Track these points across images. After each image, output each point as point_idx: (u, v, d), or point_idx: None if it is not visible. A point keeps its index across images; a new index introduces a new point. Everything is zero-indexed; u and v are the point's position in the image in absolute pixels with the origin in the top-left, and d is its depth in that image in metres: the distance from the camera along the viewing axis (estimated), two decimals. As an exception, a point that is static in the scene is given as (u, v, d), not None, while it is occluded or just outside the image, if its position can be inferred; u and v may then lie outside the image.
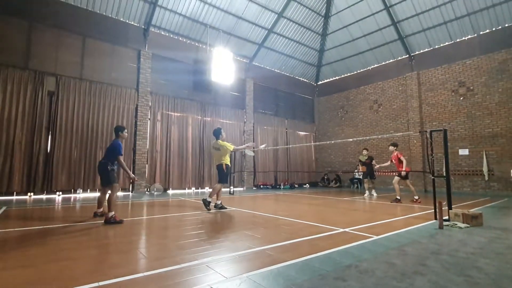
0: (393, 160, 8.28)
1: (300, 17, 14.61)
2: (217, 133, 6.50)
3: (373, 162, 10.18)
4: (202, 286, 2.12)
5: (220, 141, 6.34)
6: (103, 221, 4.56)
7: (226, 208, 6.31)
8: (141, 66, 11.12)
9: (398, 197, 7.95)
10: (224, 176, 6.37)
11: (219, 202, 6.32)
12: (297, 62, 16.71)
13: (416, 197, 7.93)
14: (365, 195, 9.99)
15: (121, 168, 4.95)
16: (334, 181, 15.98)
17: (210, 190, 12.55)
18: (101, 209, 5.13)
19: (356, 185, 14.36)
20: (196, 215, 5.61)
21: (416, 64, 13.69)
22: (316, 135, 18.16)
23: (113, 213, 4.51)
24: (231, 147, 6.35)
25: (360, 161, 10.61)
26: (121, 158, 4.92)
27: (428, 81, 13.12)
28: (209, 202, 6.10)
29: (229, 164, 6.46)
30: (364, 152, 10.48)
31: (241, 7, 12.88)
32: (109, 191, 4.82)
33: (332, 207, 7.07)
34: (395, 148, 8.36)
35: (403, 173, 8.00)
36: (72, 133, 9.40)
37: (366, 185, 10.21)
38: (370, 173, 10.12)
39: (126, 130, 5.41)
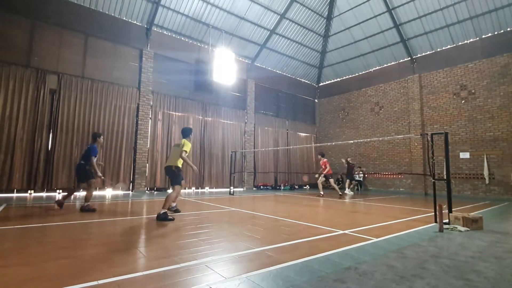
0: (322, 166, 10.75)
1: (302, 19, 14.63)
2: (188, 132, 5.56)
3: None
4: (201, 286, 2.12)
5: (185, 140, 5.36)
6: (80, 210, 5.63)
7: (179, 212, 5.58)
8: (143, 65, 11.14)
9: (322, 193, 10.71)
10: (178, 177, 5.37)
11: (174, 204, 5.64)
12: (299, 63, 16.72)
13: (340, 193, 10.44)
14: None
15: (92, 167, 5.83)
16: (337, 183, 15.93)
17: (213, 190, 12.72)
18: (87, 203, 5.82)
19: (356, 187, 14.35)
20: (196, 215, 5.61)
21: (418, 66, 13.68)
22: (317, 136, 18.16)
23: (88, 203, 5.68)
24: (188, 148, 5.23)
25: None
26: (94, 159, 5.84)
27: (429, 84, 13.11)
28: (165, 213, 4.92)
29: (180, 167, 5.35)
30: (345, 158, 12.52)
31: (244, 8, 12.90)
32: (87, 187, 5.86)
33: (332, 209, 7.06)
34: (323, 156, 11.15)
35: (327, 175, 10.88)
36: (73, 132, 9.42)
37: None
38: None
39: (102, 137, 6.52)
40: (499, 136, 10.91)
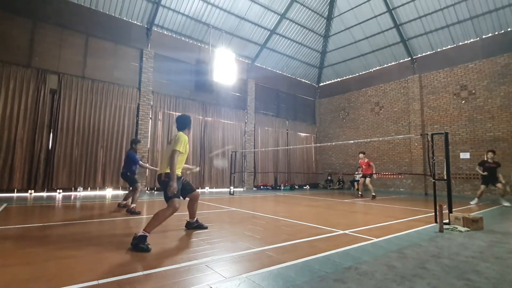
0: (362, 166, 10.28)
1: (302, 19, 14.63)
2: (185, 122, 3.96)
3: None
4: (201, 285, 2.12)
5: (180, 133, 3.78)
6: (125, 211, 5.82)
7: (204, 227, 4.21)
8: (143, 65, 11.14)
9: (374, 194, 9.81)
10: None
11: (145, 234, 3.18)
12: (299, 63, 16.72)
13: (374, 194, 9.84)
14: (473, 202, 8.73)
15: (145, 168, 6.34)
16: (338, 183, 15.96)
17: (214, 190, 12.72)
18: (125, 202, 6.30)
19: (356, 187, 14.32)
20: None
21: (418, 67, 13.67)
22: (317, 136, 18.15)
23: (134, 205, 5.81)
24: (181, 146, 3.59)
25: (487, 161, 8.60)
26: (137, 166, 6.27)
27: (430, 84, 13.11)
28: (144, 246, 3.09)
29: (177, 175, 3.63)
30: (490, 154, 8.56)
31: (244, 8, 12.90)
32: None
33: (332, 209, 7.05)
34: (364, 155, 10.61)
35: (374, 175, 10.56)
36: (73, 131, 9.43)
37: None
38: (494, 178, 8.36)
39: (140, 143, 6.83)
40: (500, 136, 10.90)
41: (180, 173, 3.79)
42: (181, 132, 3.84)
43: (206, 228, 4.25)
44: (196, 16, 12.20)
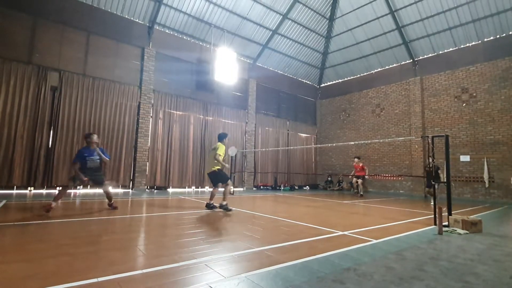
0: (357, 169, 12.04)
1: (304, 19, 14.63)
2: (223, 137, 6.46)
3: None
4: (201, 284, 2.13)
5: (219, 143, 6.28)
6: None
7: (231, 210, 6.08)
8: (144, 64, 11.14)
9: (361, 193, 11.61)
10: (223, 176, 6.26)
11: (224, 202, 6.06)
12: (301, 64, 16.72)
13: (361, 193, 11.67)
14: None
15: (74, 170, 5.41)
16: (337, 184, 15.97)
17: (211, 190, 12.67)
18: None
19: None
20: (195, 214, 5.61)
21: (419, 69, 13.67)
22: (318, 137, 18.15)
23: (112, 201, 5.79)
24: (222, 151, 6.13)
25: None
26: (75, 165, 5.38)
27: (431, 87, 13.11)
28: (214, 205, 6.23)
29: (221, 168, 6.26)
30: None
31: (246, 8, 12.90)
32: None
33: (331, 210, 7.06)
34: (359, 159, 12.25)
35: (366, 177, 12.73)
36: (74, 129, 9.43)
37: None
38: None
39: (96, 136, 5.84)
40: (500, 139, 10.90)
41: (221, 167, 6.21)
42: (219, 143, 6.23)
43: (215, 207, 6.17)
44: (198, 15, 12.20)
